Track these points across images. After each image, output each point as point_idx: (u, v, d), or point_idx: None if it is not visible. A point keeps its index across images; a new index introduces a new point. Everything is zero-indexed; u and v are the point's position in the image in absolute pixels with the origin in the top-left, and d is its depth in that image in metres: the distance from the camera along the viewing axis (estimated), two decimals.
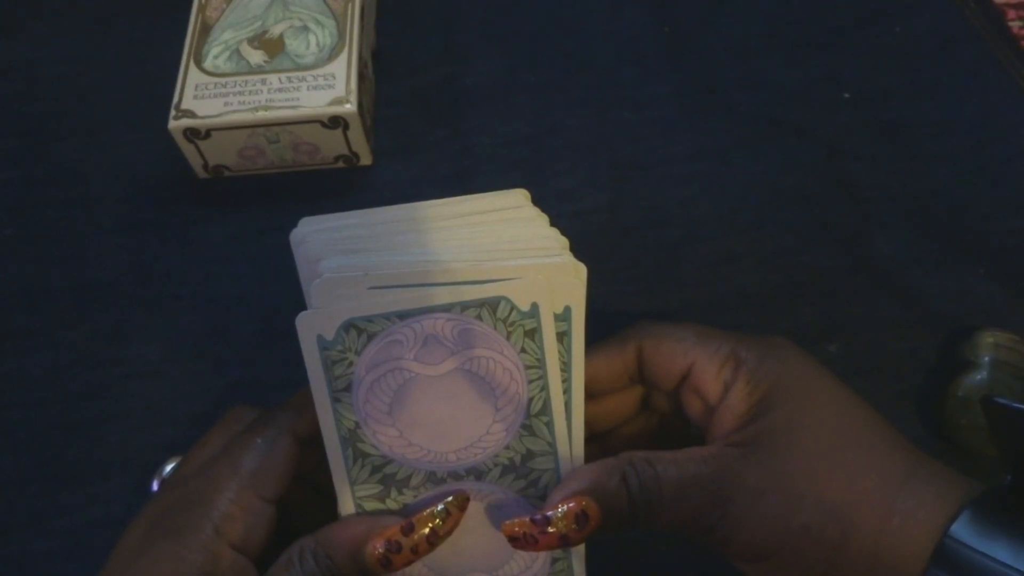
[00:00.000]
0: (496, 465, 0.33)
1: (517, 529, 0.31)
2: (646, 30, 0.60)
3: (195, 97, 0.51)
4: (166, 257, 0.52)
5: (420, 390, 0.32)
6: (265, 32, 0.54)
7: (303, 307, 0.32)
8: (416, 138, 0.56)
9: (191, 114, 0.50)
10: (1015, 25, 0.60)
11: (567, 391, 0.33)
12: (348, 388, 0.32)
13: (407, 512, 0.33)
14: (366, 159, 0.54)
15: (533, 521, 0.31)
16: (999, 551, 0.28)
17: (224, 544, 0.31)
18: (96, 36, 0.61)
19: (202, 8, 0.55)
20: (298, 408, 0.33)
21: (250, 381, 0.47)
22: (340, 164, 0.54)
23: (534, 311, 0.32)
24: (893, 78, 0.57)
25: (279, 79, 0.51)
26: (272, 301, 0.50)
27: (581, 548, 0.34)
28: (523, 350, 0.32)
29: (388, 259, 0.32)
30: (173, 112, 0.50)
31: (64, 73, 0.60)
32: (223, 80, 0.51)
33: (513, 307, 0.32)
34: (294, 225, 0.34)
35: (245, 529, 0.31)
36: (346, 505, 0.33)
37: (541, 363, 0.32)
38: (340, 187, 0.54)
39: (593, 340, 0.34)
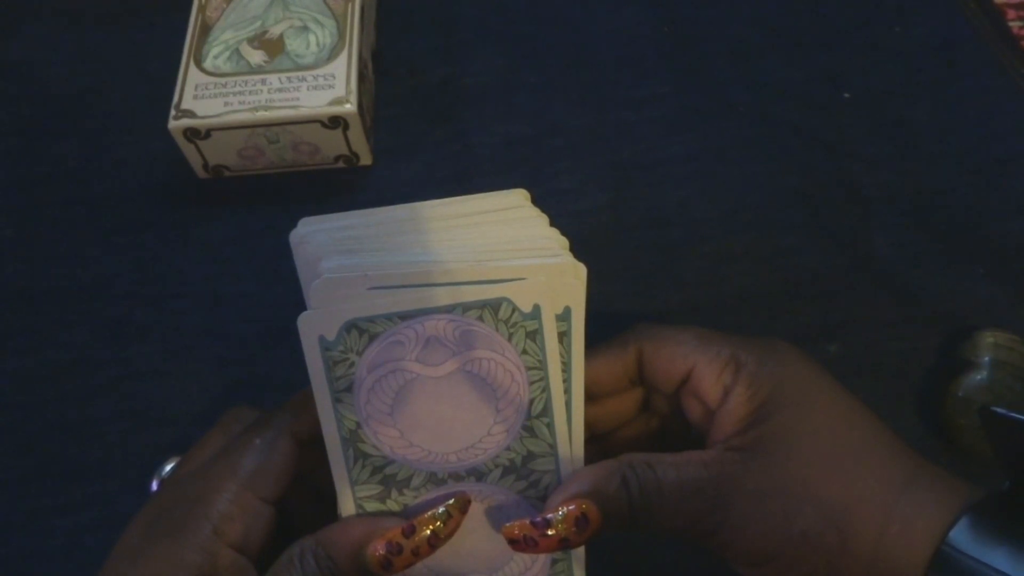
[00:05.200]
0: (497, 466, 0.33)
1: (517, 531, 0.31)
2: (646, 30, 0.60)
3: (195, 97, 0.51)
4: (166, 257, 0.52)
5: (421, 391, 0.32)
6: (265, 32, 0.54)
7: (303, 307, 0.32)
8: (416, 138, 0.56)
9: (191, 114, 0.50)
10: (1015, 25, 0.60)
11: (567, 392, 0.33)
12: (349, 388, 0.32)
13: (408, 513, 0.33)
14: (366, 159, 0.54)
15: (533, 524, 0.31)
16: (997, 559, 0.28)
17: (223, 544, 0.31)
18: (96, 36, 0.61)
19: (202, 8, 0.55)
20: (297, 409, 0.33)
21: (250, 381, 0.47)
22: (340, 164, 0.54)
23: (536, 312, 0.32)
24: (893, 78, 0.56)
25: (279, 79, 0.51)
26: (272, 301, 0.50)
27: (581, 550, 0.34)
28: (524, 351, 0.32)
29: (388, 259, 0.32)
30: (173, 112, 0.50)
31: (64, 73, 0.60)
32: (223, 80, 0.51)
33: (515, 309, 0.32)
34: (294, 225, 0.34)
35: (244, 529, 0.31)
36: (347, 506, 0.33)
37: (542, 364, 0.32)
38: (340, 187, 0.54)
39: (593, 340, 0.34)
